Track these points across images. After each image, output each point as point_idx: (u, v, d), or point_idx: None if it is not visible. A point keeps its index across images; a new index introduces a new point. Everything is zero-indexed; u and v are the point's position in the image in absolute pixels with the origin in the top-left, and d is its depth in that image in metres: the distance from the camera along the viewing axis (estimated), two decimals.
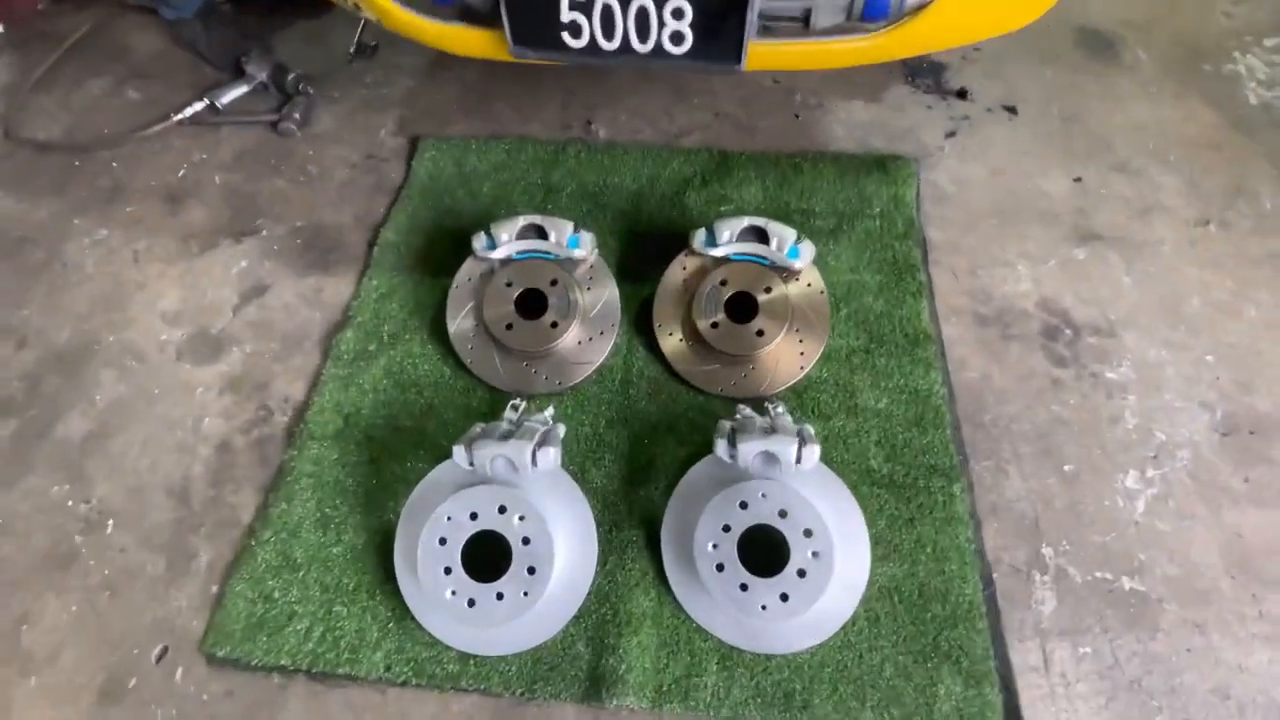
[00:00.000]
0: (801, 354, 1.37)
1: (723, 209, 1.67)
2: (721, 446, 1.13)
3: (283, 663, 1.14)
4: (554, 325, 1.38)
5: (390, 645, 1.15)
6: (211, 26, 2.09)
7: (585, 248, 1.41)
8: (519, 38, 1.26)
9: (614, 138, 1.86)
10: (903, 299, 1.50)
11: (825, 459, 1.25)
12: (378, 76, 2.04)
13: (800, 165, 1.75)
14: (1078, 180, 1.77)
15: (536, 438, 1.13)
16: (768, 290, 1.38)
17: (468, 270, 1.46)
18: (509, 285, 1.40)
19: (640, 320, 1.48)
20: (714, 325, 1.36)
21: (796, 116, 1.92)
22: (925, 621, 1.14)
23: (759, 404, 1.33)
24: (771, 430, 1.13)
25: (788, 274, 1.40)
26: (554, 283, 1.40)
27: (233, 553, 1.26)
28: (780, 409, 1.29)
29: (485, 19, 1.30)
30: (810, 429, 1.14)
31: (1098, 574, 1.21)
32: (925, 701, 1.08)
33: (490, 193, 1.72)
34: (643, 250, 1.60)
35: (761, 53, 1.19)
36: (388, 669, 1.13)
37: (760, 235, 1.39)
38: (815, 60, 1.22)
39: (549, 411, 1.28)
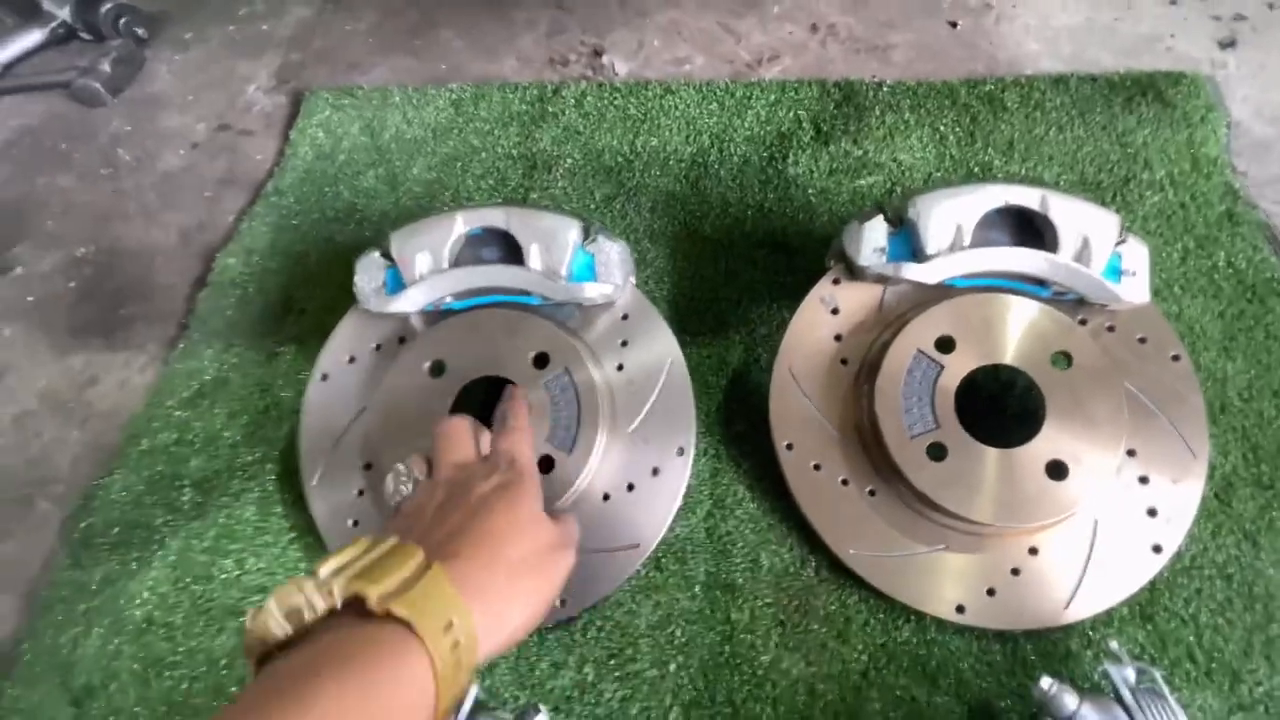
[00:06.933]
0: (1152, 513, 0.56)
1: (867, 179, 0.86)
2: None
3: None
4: (545, 464, 0.58)
5: None
6: None
7: (613, 274, 0.61)
8: None
9: (641, 73, 1.06)
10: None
11: None
12: (257, 5, 1.26)
13: (997, 96, 0.93)
14: None
15: None
16: (1064, 358, 0.57)
17: (347, 338, 0.66)
18: (436, 373, 0.61)
19: (732, 430, 0.68)
20: (935, 451, 0.55)
21: (953, 25, 1.11)
22: None
23: (1053, 642, 0.53)
24: None
25: (1096, 318, 0.59)
26: (541, 360, 0.60)
27: None
28: (1129, 669, 0.49)
29: None
30: None
31: None
32: None
33: (425, 176, 0.93)
34: (720, 274, 0.80)
35: None
36: None
37: (1022, 225, 0.59)
38: None
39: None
